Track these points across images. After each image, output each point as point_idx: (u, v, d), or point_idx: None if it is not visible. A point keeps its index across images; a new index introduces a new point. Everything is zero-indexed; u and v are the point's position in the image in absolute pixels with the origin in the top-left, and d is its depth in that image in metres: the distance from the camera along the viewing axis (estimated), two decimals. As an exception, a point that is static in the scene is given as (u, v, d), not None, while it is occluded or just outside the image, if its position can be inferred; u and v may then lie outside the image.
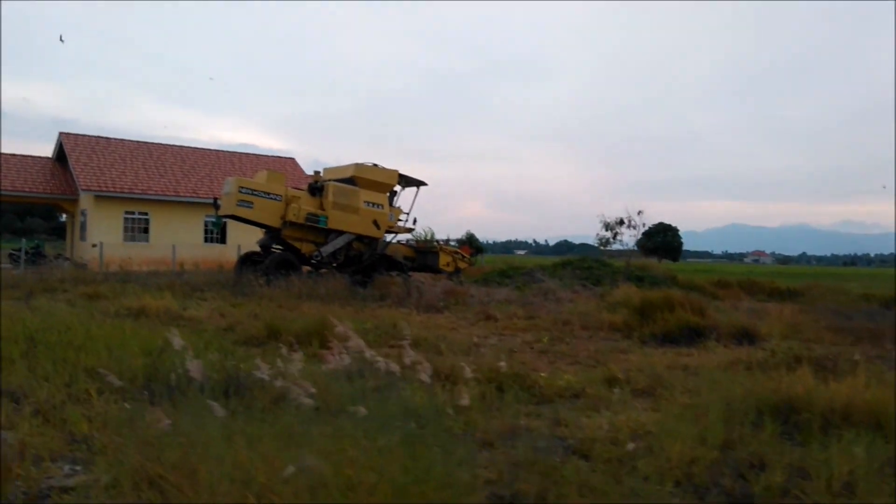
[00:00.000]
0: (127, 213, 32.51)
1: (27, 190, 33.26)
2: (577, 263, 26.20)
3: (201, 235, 34.40)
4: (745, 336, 11.72)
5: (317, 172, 23.92)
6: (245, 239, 32.22)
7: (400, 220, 24.79)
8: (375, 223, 23.39)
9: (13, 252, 33.70)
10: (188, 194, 33.80)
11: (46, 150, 36.81)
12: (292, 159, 40.83)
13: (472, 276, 24.33)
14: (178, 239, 32.29)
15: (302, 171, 38.92)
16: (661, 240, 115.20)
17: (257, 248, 23.88)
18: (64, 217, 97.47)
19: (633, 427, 5.77)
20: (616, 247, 24.13)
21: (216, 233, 34.86)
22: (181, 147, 37.94)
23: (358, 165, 23.41)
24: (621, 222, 23.17)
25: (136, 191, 32.45)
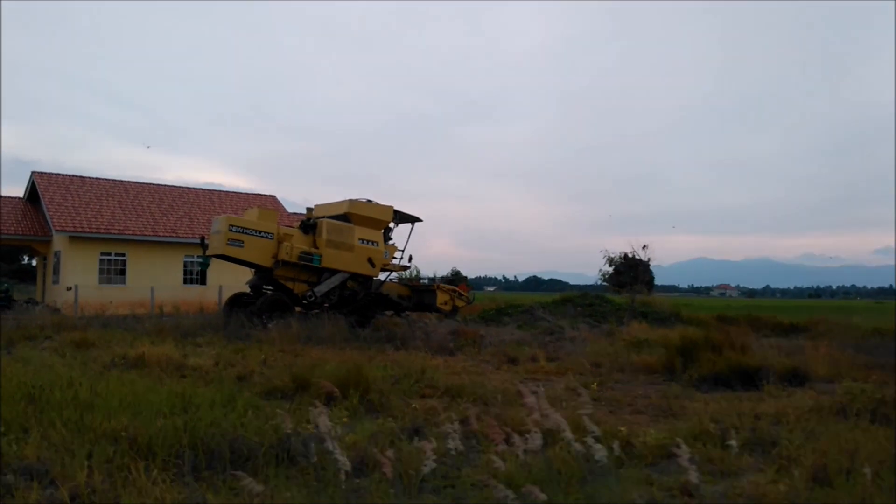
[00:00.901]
0: (103, 254, 31.12)
1: (-2, 231, 31.75)
2: (578, 300, 25.53)
3: (181, 276, 33.10)
4: (795, 377, 10.93)
5: (309, 209, 22.93)
6: (226, 279, 30.98)
7: (395, 258, 23.84)
8: (370, 261, 22.44)
9: (-20, 296, 32.03)
10: (167, 234, 32.53)
11: (9, 191, 35.36)
12: (273, 197, 39.78)
13: (469, 315, 23.36)
14: (156, 280, 30.94)
15: (284, 209, 37.87)
16: (632, 275, 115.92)
17: (245, 289, 22.75)
18: (29, 260, 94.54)
19: (779, 500, 4.90)
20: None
21: (199, 273, 33.58)
22: (158, 185, 36.74)
23: (352, 202, 22.52)
24: (626, 258, 22.44)
25: (113, 231, 31.11)
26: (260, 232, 20.70)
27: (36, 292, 36.98)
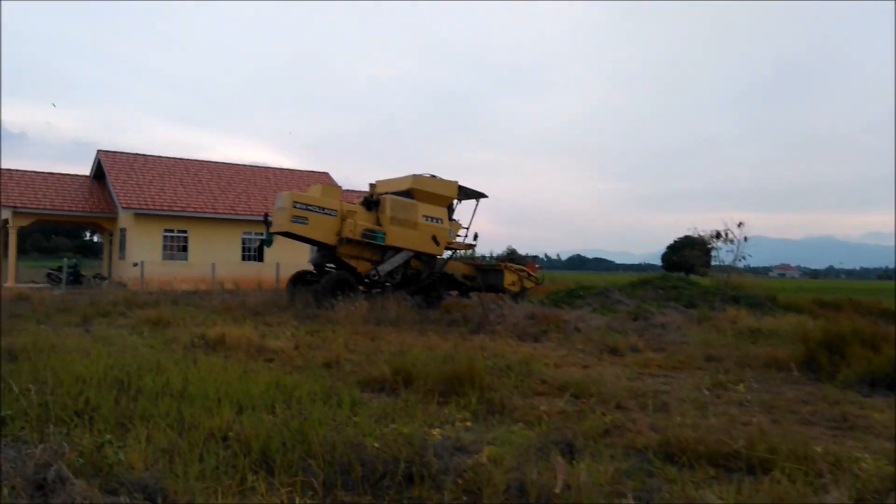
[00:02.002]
0: (166, 230, 30.89)
1: (66, 209, 31.70)
2: (659, 282, 23.44)
3: (239, 253, 32.75)
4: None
5: (371, 185, 22.18)
6: (283, 257, 30.61)
7: (458, 236, 23.01)
8: (434, 239, 21.65)
9: (52, 271, 32.13)
10: (226, 211, 32.16)
11: (75, 170, 35.27)
12: (326, 174, 39.19)
13: (537, 296, 22.25)
14: (216, 257, 30.62)
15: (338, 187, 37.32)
16: (689, 254, 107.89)
17: (306, 267, 22.19)
18: (92, 236, 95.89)
19: None
20: (713, 263, 21.47)
21: (256, 250, 33.27)
22: (217, 163, 36.36)
23: (416, 177, 21.69)
24: (718, 236, 20.35)
25: (176, 208, 30.83)
26: (324, 209, 20.04)
27: (102, 268, 37.04)
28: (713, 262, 21.80)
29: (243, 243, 32.90)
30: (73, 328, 13.74)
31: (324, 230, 20.03)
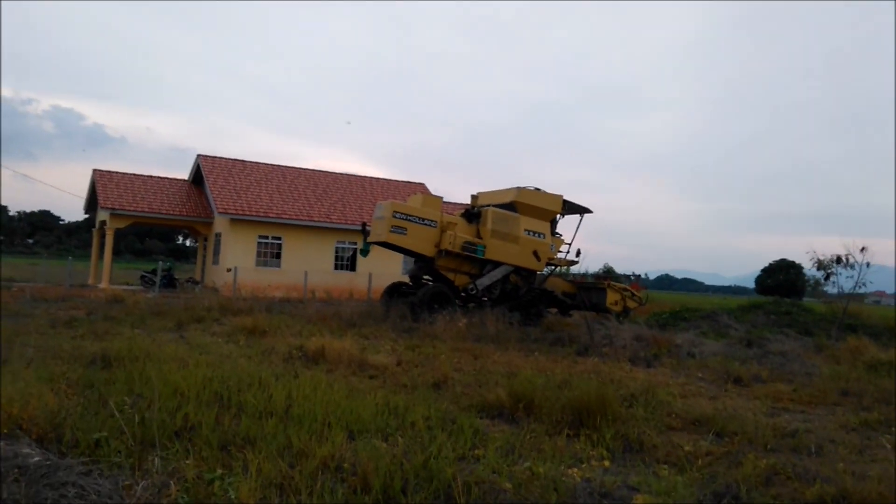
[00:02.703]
0: (260, 237, 31.03)
1: (163, 212, 32.30)
2: (770, 307, 22.36)
3: (332, 262, 32.64)
4: None
5: (473, 197, 21.49)
6: (376, 267, 30.30)
7: (560, 252, 22.05)
8: (535, 254, 20.78)
9: (146, 274, 32.74)
10: (321, 219, 32.10)
11: (173, 174, 35.93)
12: (422, 184, 38.84)
13: (638, 317, 21.16)
14: (309, 265, 30.60)
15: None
16: (784, 278, 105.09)
17: (401, 278, 21.64)
18: (185, 239, 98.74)
19: None
20: (828, 289, 20.16)
21: (349, 259, 33.15)
22: (313, 171, 36.48)
23: (519, 189, 20.91)
24: (838, 260, 19.16)
25: (271, 214, 30.95)
26: (423, 219, 19.45)
27: (195, 271, 37.67)
28: (828, 288, 20.36)
29: (336, 252, 32.78)
30: (168, 333, 13.50)
31: (423, 241, 19.44)
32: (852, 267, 18.88)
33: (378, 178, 38.20)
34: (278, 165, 35.55)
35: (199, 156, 33.95)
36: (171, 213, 32.58)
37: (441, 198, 20.50)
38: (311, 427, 5.95)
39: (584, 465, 5.57)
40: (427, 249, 19.57)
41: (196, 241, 38.71)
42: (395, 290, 20.98)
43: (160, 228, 79.29)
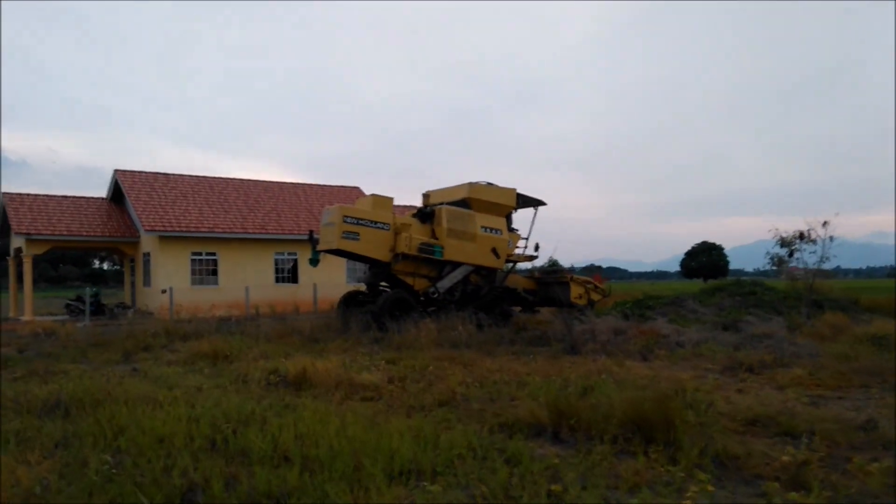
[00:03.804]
0: (194, 253, 29.35)
1: (84, 234, 30.16)
2: (733, 289, 22.08)
3: (272, 275, 31.21)
4: None
5: (425, 195, 20.57)
6: (320, 277, 29.13)
7: (518, 248, 21.40)
8: (494, 251, 20.05)
9: (71, 302, 30.54)
10: (256, 230, 30.62)
11: (86, 194, 33.68)
12: (357, 188, 37.67)
13: (603, 309, 20.70)
14: (248, 280, 29.19)
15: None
16: (706, 259, 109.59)
17: (349, 287, 20.64)
18: (102, 263, 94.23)
19: None
20: (794, 265, 19.97)
21: (290, 272, 31.79)
22: (243, 180, 34.81)
23: (472, 185, 20.13)
24: (801, 237, 19.05)
25: (203, 228, 29.29)
26: (376, 222, 18.45)
27: (124, 296, 35.56)
28: (795, 265, 20.30)
29: (276, 264, 31.38)
30: (117, 367, 12.18)
31: (377, 246, 18.46)
32: (814, 242, 18.78)
33: (311, 185, 36.82)
34: (204, 177, 33.80)
35: (116, 171, 31.88)
36: (93, 234, 30.43)
37: (392, 198, 19.52)
38: (344, 473, 5.02)
39: (688, 494, 4.75)
40: (382, 254, 18.60)
41: (120, 264, 36.57)
42: (351, 300, 19.93)
43: (80, 252, 75.30)
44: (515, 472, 5.16)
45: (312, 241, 19.34)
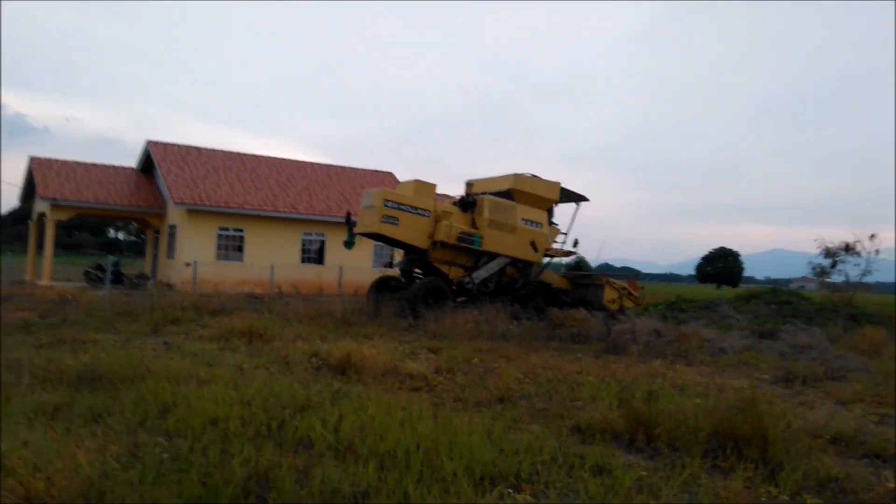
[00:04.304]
0: (221, 228, 29.00)
1: (112, 202, 29.90)
2: (769, 297, 21.89)
3: (298, 255, 30.82)
4: None
5: (468, 184, 20.04)
6: (346, 260, 28.72)
7: (556, 242, 20.90)
8: (533, 245, 19.56)
9: (91, 270, 30.30)
10: (286, 209, 30.23)
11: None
12: (391, 174, 37.17)
13: (634, 310, 20.30)
14: (273, 258, 28.78)
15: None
16: (722, 265, 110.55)
17: (375, 273, 20.19)
18: (116, 232, 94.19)
19: None
20: (836, 278, 19.83)
21: (317, 252, 31.39)
22: (276, 159, 34.45)
23: (517, 176, 19.66)
24: (847, 248, 18.85)
25: (232, 204, 28.94)
26: (416, 209, 18.02)
27: (144, 266, 35.32)
28: (837, 278, 20.16)
29: (303, 244, 30.98)
30: (146, 339, 11.75)
31: (416, 232, 18.03)
32: (858, 254, 18.69)
33: (344, 167, 36.35)
34: (237, 153, 33.46)
35: (148, 142, 31.63)
36: (120, 203, 30.19)
37: (435, 185, 19.05)
38: (434, 474, 4.52)
39: None
40: (420, 241, 18.17)
41: (137, 234, 36.28)
42: (383, 285, 19.48)
43: (97, 221, 75.08)
44: (604, 484, 4.66)
45: (349, 223, 18.95)
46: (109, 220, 72.96)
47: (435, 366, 9.68)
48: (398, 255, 31.40)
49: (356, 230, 18.58)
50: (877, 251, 18.49)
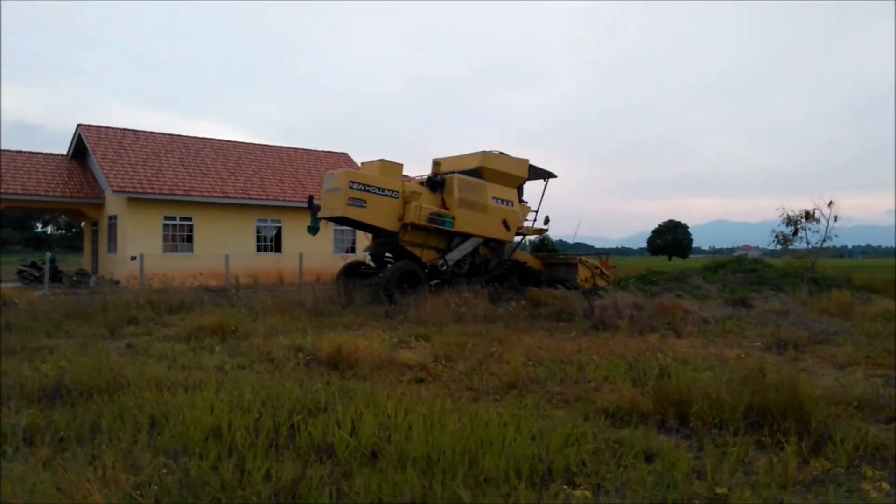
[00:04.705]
0: (167, 217, 28.11)
1: (42, 193, 28.65)
2: (735, 266, 23.03)
3: (253, 243, 30.11)
4: None
5: (435, 163, 19.73)
6: (305, 247, 28.16)
7: (527, 220, 20.92)
8: (505, 223, 19.56)
9: (24, 268, 29.08)
10: (237, 195, 29.47)
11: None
12: (345, 154, 36.57)
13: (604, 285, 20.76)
14: (226, 248, 28.00)
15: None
16: (672, 237, 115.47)
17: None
18: (43, 227, 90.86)
19: None
20: (799, 245, 21.01)
21: (272, 239, 30.74)
22: (220, 141, 33.54)
23: (485, 154, 19.55)
24: (808, 216, 19.89)
25: (178, 191, 28.07)
26: (384, 190, 17.73)
27: (83, 262, 34.17)
28: (801, 244, 21.27)
29: (258, 232, 30.27)
30: (105, 342, 11.23)
31: (384, 214, 17.75)
32: (818, 222, 19.79)
33: (296, 149, 35.59)
34: (179, 135, 32.46)
35: (79, 125, 30.41)
36: (51, 194, 28.91)
37: (402, 165, 18.75)
38: (465, 474, 4.26)
39: (872, 495, 4.26)
40: (390, 223, 17.89)
41: (66, 228, 35.03)
42: (352, 271, 19.23)
43: (21, 214, 72.06)
44: (657, 472, 4.50)
45: (312, 207, 18.58)
46: (37, 214, 70.68)
47: (431, 354, 9.44)
48: (360, 239, 31.04)
49: (320, 215, 18.19)
50: (835, 218, 19.56)
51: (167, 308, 15.34)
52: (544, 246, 32.63)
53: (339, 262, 28.94)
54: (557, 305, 15.98)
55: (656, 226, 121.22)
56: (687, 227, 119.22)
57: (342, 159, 35.69)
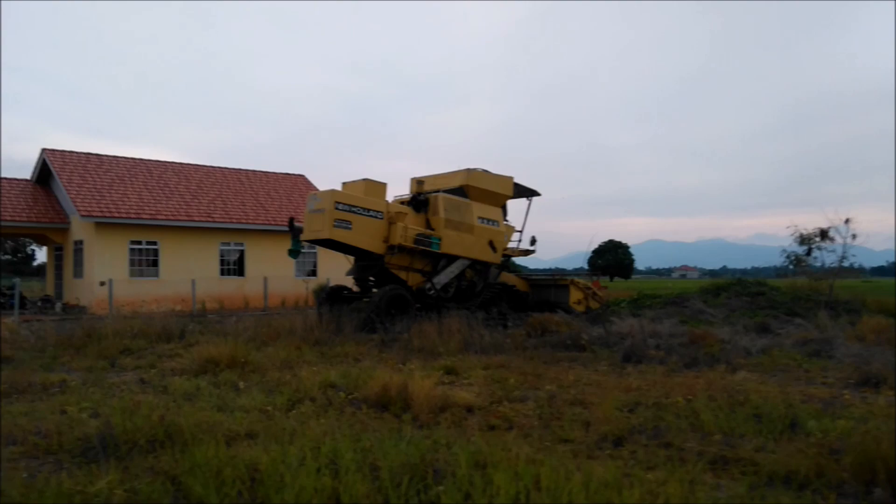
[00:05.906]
0: (133, 242, 26.38)
1: (7, 218, 26.52)
2: (737, 288, 20.86)
3: (217, 267, 28.55)
4: None
5: (419, 182, 18.70)
6: (269, 269, 26.93)
7: (512, 241, 19.99)
8: (491, 244, 18.57)
9: (-10, 295, 26.87)
10: (202, 218, 27.92)
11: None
12: (302, 176, 35.27)
13: (596, 308, 19.46)
14: (191, 272, 26.50)
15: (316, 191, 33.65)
16: (612, 257, 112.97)
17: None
18: (8, 252, 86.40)
19: None
20: (814, 265, 19.14)
21: (236, 263, 29.23)
22: (182, 165, 31.84)
23: (469, 171, 18.57)
24: (823, 234, 18.28)
25: (144, 215, 26.40)
26: (369, 210, 16.63)
27: (47, 287, 31.99)
28: (816, 264, 19.51)
29: (221, 255, 28.73)
30: (107, 375, 9.98)
31: (370, 236, 16.64)
32: (832, 240, 18.02)
33: (255, 171, 34.11)
34: (141, 159, 30.70)
35: (44, 150, 28.48)
36: (16, 219, 26.91)
37: (385, 184, 17.67)
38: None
39: None
40: (376, 246, 16.79)
41: (13, 253, 32.81)
42: (335, 296, 17.92)
43: (2, 238, 67.76)
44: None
45: (294, 229, 17.34)
46: (11, 238, 66.71)
47: (485, 393, 8.36)
48: (322, 261, 29.79)
49: (304, 237, 16.98)
50: (853, 236, 17.98)
51: (155, 338, 13.95)
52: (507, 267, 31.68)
53: (300, 285, 27.79)
54: (562, 332, 14.76)
55: (595, 246, 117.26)
56: (628, 247, 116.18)
57: (300, 181, 34.42)
